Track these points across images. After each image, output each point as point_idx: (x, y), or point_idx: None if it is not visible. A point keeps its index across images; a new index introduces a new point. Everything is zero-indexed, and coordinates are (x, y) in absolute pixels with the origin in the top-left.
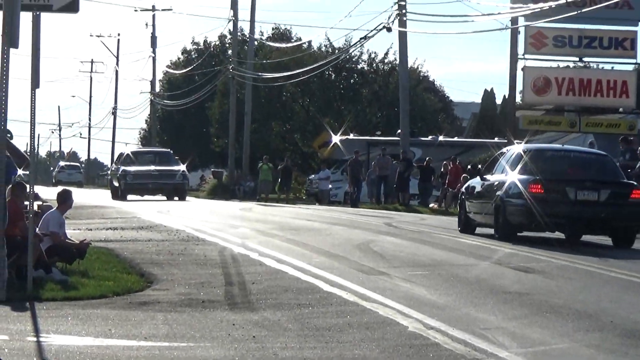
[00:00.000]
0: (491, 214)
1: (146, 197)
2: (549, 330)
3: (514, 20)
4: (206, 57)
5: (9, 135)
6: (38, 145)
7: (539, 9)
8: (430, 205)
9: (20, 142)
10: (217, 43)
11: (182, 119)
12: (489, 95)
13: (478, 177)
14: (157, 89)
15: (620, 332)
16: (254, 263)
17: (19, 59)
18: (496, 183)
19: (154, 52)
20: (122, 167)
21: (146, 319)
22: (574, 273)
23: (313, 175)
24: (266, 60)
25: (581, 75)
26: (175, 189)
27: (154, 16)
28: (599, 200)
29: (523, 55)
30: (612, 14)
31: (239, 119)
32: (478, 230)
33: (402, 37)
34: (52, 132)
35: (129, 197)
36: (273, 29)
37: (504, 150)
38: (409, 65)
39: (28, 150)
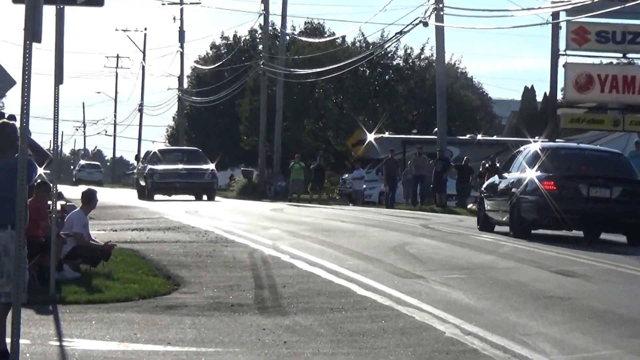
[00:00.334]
0: (508, 211)
1: (173, 197)
2: (592, 337)
3: (555, 15)
4: (236, 53)
5: None
6: (62, 143)
7: (581, 4)
8: (469, 206)
9: (43, 139)
10: (248, 38)
11: (210, 117)
12: (529, 92)
13: (496, 175)
14: (185, 85)
15: None
16: (285, 265)
17: (42, 54)
18: (512, 181)
19: (181, 47)
20: (149, 166)
21: (173, 323)
22: (617, 277)
23: (346, 175)
24: (298, 55)
25: (625, 72)
26: (204, 189)
27: (181, 10)
28: (611, 197)
29: (565, 51)
30: None
31: (270, 117)
32: (497, 228)
33: (439, 32)
34: (76, 130)
35: (156, 196)
36: (305, 23)
37: (521, 148)
38: (446, 61)
39: (51, 148)
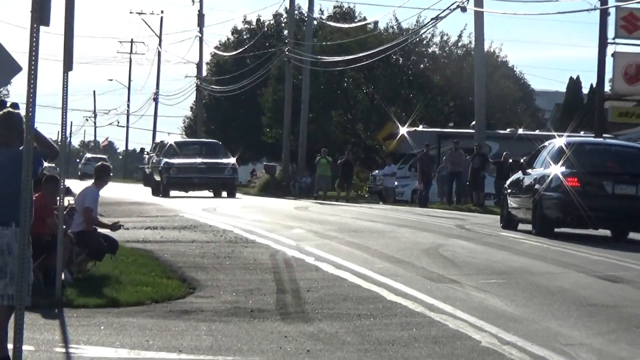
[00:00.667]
0: (531, 208)
1: (190, 193)
2: (639, 348)
3: (604, 1)
4: (259, 38)
5: None
6: (70, 134)
7: None
8: None
9: (51, 130)
10: (272, 22)
11: (231, 107)
12: (574, 83)
13: (520, 172)
14: (204, 73)
15: None
16: (310, 268)
17: (51, 38)
18: (535, 177)
19: (200, 31)
20: (165, 159)
21: (188, 330)
22: None
23: (377, 171)
24: (326, 42)
25: None
26: (224, 185)
27: None
28: (637, 195)
29: (613, 39)
30: None
31: (295, 108)
32: (521, 227)
33: (478, 17)
34: (87, 120)
35: (171, 193)
36: (334, 7)
37: (546, 143)
38: (485, 49)
39: (59, 140)
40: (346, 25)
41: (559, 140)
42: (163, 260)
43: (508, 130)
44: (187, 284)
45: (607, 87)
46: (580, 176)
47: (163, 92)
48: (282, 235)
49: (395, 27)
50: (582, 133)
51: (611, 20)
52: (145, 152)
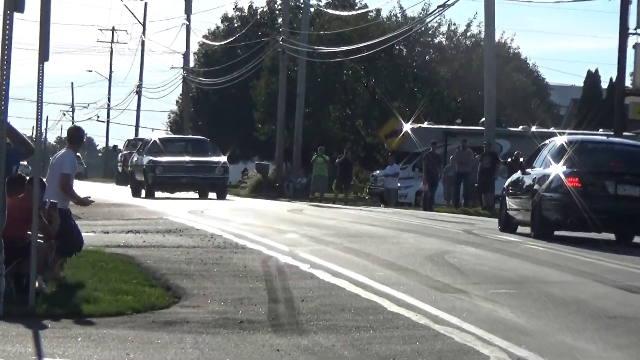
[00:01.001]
0: (530, 210)
1: (176, 194)
2: None
3: None
4: (251, 27)
5: None
6: (46, 129)
7: None
8: None
9: (25, 125)
10: (265, 10)
11: (220, 101)
12: (592, 77)
13: (519, 171)
14: (192, 63)
15: None
16: (304, 276)
17: (25, 26)
18: (534, 177)
19: (188, 19)
20: (150, 157)
21: (172, 342)
22: None
23: (378, 171)
24: (324, 31)
25: None
26: (214, 185)
27: None
28: None
29: (635, 29)
30: None
31: (290, 102)
32: (520, 229)
33: (489, 5)
34: (64, 114)
35: (156, 193)
36: None
37: (546, 141)
38: (496, 40)
39: (34, 136)
40: (346, 13)
41: (560, 139)
42: (146, 267)
43: (520, 127)
44: (172, 293)
45: (627, 82)
46: (581, 176)
47: (147, 84)
48: (275, 240)
49: (399, 15)
50: (600, 131)
51: (633, 9)
52: (119, 150)
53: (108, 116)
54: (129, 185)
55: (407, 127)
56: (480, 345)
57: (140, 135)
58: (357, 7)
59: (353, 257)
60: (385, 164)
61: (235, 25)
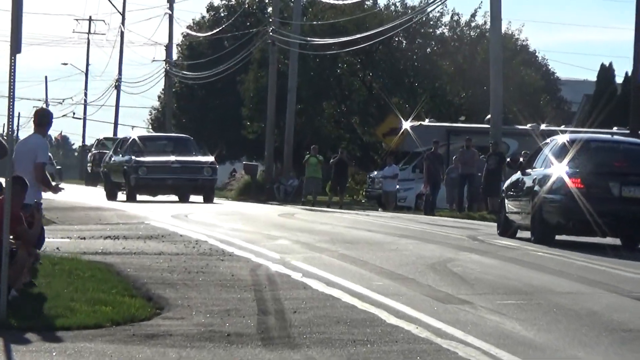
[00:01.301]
0: (530, 213)
1: (157, 196)
2: None
3: None
4: (239, 16)
5: None
6: (18, 126)
7: None
8: None
9: None
10: None
11: (206, 96)
12: (606, 71)
13: (519, 172)
14: (175, 56)
15: None
16: (297, 286)
17: None
18: (534, 178)
19: (170, 8)
20: (132, 157)
21: (154, 357)
22: None
23: (376, 172)
24: (317, 21)
25: None
26: (202, 187)
27: None
28: None
29: None
30: None
31: (281, 97)
32: (520, 234)
33: None
34: None
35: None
36: None
37: (548, 140)
38: (503, 31)
39: (4, 134)
40: (341, 2)
41: (562, 137)
42: (125, 276)
43: (529, 125)
44: (154, 304)
45: None
46: (584, 177)
47: (126, 78)
48: (265, 247)
49: (398, 4)
50: (614, 129)
51: None
52: (88, 150)
53: (85, 113)
54: (102, 187)
55: (406, 125)
56: None
57: (119, 134)
58: None
59: (349, 265)
60: (383, 164)
61: (222, 14)
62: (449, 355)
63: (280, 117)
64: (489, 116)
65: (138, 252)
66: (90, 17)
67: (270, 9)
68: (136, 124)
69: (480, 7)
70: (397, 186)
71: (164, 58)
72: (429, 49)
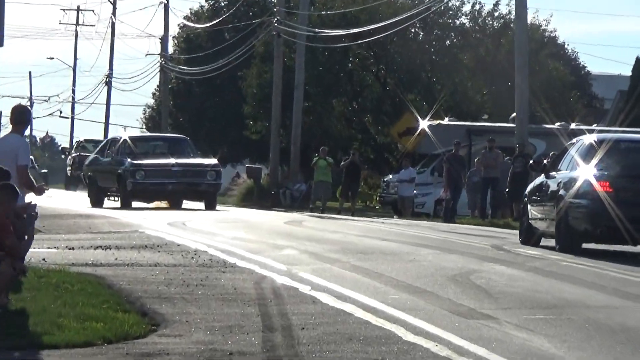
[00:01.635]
0: (554, 219)
1: (151, 202)
2: None
3: None
4: (240, 6)
5: None
6: (0, 126)
7: None
8: None
9: None
10: None
11: (204, 93)
12: None
13: (543, 175)
14: (171, 49)
15: None
16: (305, 300)
17: None
18: (559, 181)
19: None
20: (129, 160)
21: None
22: None
23: (391, 176)
24: (326, 11)
25: None
26: (204, 193)
27: None
28: None
29: None
30: None
31: (287, 94)
32: (544, 242)
33: None
34: None
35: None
36: None
37: (574, 140)
38: (529, 21)
39: None
40: None
41: (589, 137)
42: (118, 289)
43: (557, 124)
44: (149, 319)
45: None
46: (613, 180)
47: (118, 74)
48: (270, 257)
49: None
50: None
51: None
52: (67, 152)
53: (72, 111)
54: (83, 192)
55: (424, 124)
56: None
57: (110, 134)
58: None
59: (362, 278)
60: (399, 167)
61: (222, 4)
62: None
63: (286, 116)
64: (513, 114)
65: (132, 263)
66: (78, 7)
67: None
68: (129, 123)
69: None
70: (414, 191)
71: (159, 52)
72: (448, 41)
